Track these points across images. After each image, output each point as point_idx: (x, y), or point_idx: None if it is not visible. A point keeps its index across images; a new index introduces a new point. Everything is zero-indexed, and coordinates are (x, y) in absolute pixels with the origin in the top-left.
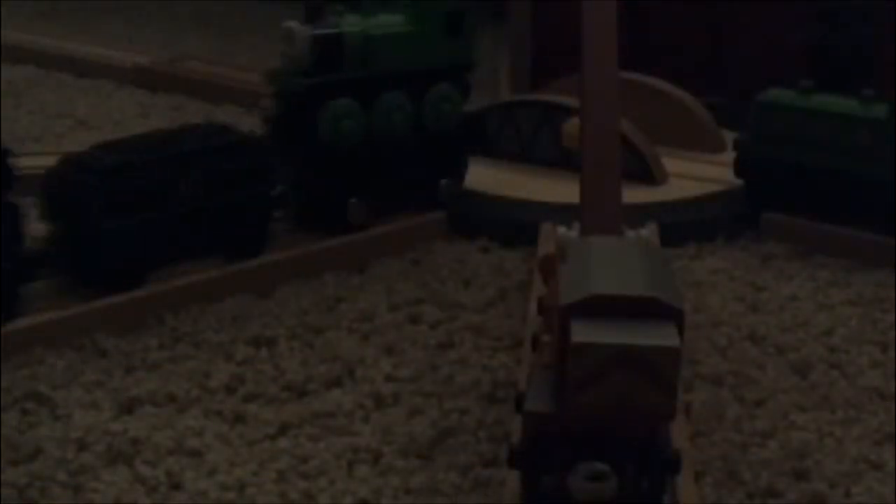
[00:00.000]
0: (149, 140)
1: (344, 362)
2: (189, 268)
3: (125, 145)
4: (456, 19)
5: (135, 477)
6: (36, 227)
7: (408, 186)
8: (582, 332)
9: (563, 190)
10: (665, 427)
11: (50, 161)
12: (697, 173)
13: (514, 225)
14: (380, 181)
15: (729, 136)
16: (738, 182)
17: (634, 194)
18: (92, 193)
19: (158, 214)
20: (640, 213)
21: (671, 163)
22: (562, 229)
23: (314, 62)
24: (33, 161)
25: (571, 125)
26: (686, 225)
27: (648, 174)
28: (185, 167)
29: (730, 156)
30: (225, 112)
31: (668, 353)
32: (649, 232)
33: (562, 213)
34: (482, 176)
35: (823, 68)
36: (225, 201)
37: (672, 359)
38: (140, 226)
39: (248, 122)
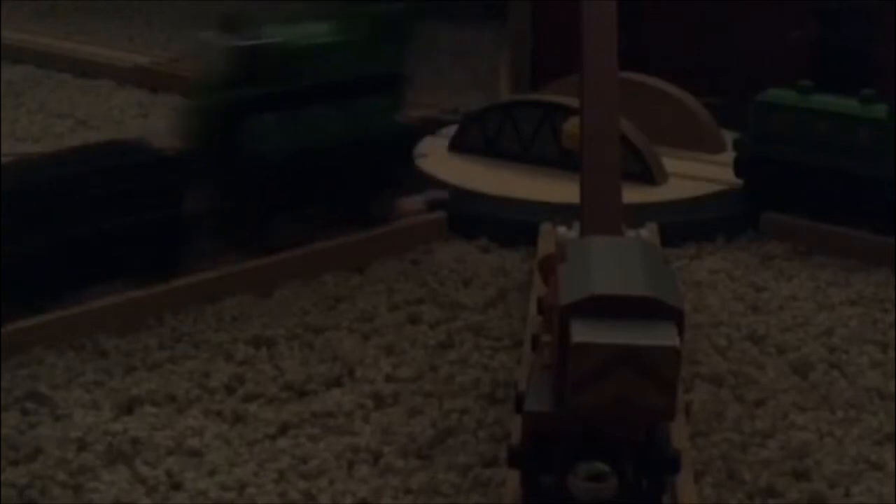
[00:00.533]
0: (55, 158)
1: (344, 362)
2: (98, 292)
3: (29, 164)
4: (388, 26)
5: (135, 477)
6: None
7: (340, 202)
8: (582, 332)
9: (563, 190)
10: (665, 427)
11: None
12: (697, 173)
13: (514, 225)
14: (309, 198)
15: (729, 136)
16: (738, 182)
17: (634, 194)
18: None
19: (61, 237)
20: (640, 213)
21: (671, 163)
22: (562, 229)
23: (235, 75)
24: None
25: (571, 125)
26: (686, 225)
27: (648, 174)
28: (91, 187)
29: (730, 156)
30: None
31: (668, 353)
32: (649, 232)
33: (562, 213)
34: (482, 176)
35: (823, 68)
36: (133, 222)
37: (672, 359)
38: (41, 249)
39: None
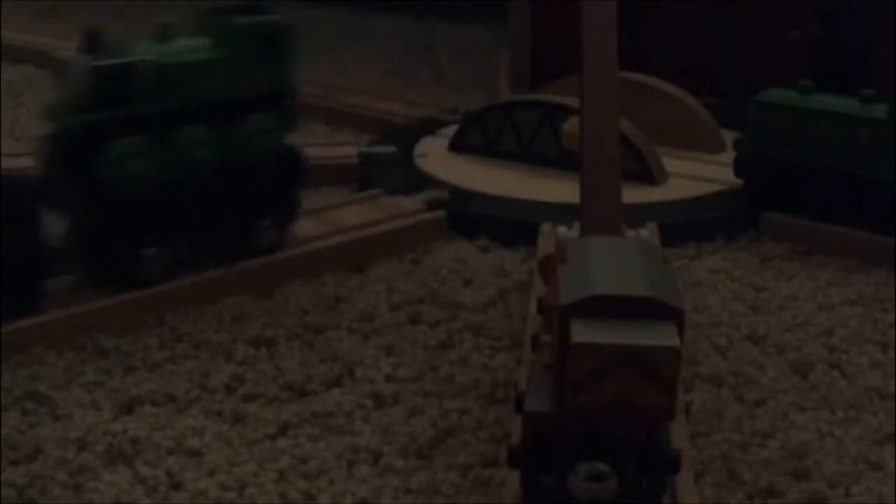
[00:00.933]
0: None
1: (344, 362)
2: None
3: None
4: (269, 41)
5: (135, 477)
6: None
7: (218, 232)
8: (582, 332)
9: (563, 190)
10: (665, 427)
11: None
12: (697, 173)
13: (514, 225)
14: (181, 228)
15: (729, 136)
16: (738, 182)
17: (634, 194)
18: None
19: None
20: (640, 213)
21: (671, 163)
22: (562, 229)
23: (96, 96)
24: None
25: (571, 125)
26: (686, 225)
27: (648, 174)
28: None
29: (730, 156)
30: None
31: (668, 353)
32: (649, 232)
33: (562, 213)
34: (482, 176)
35: (823, 68)
36: None
37: (672, 359)
38: None
39: None
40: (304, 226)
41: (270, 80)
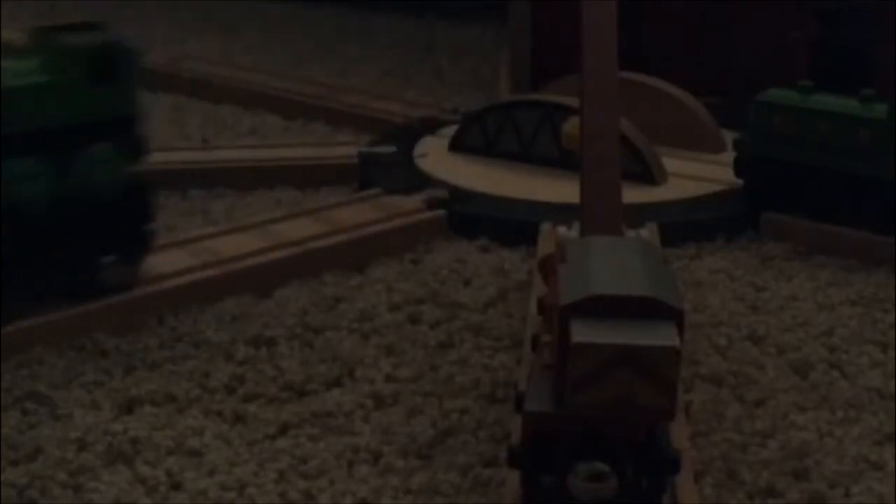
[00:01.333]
0: None
1: (344, 362)
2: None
3: None
4: (106, 64)
5: (135, 477)
6: None
7: (53, 272)
8: (582, 332)
9: (563, 190)
10: (665, 427)
11: None
12: (697, 173)
13: (514, 225)
14: (10, 269)
15: (729, 136)
16: (738, 182)
17: (634, 194)
18: None
19: None
20: (640, 213)
21: (671, 163)
22: (562, 229)
23: None
24: None
25: (571, 125)
26: (686, 225)
27: (648, 174)
28: None
29: (730, 156)
30: (225, 112)
31: (668, 353)
32: (649, 232)
33: (562, 213)
34: (482, 176)
35: (823, 68)
36: None
37: (672, 359)
38: None
39: (248, 123)
40: (304, 225)
41: (109, 106)
